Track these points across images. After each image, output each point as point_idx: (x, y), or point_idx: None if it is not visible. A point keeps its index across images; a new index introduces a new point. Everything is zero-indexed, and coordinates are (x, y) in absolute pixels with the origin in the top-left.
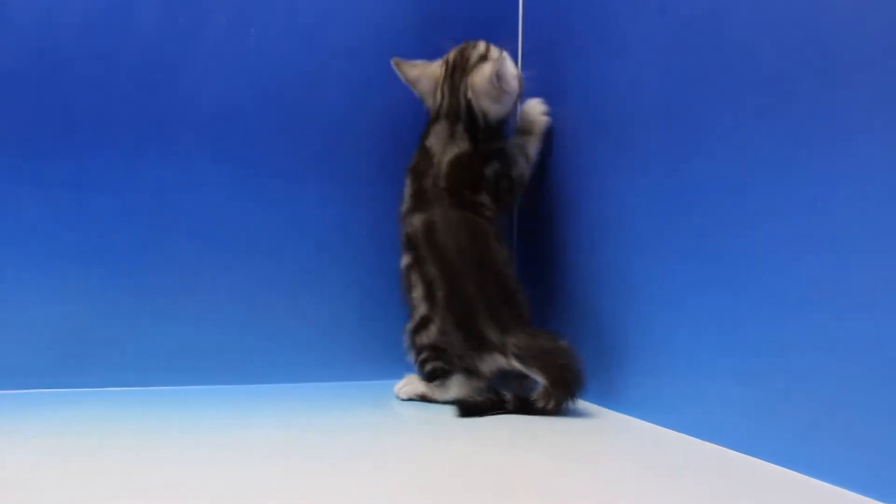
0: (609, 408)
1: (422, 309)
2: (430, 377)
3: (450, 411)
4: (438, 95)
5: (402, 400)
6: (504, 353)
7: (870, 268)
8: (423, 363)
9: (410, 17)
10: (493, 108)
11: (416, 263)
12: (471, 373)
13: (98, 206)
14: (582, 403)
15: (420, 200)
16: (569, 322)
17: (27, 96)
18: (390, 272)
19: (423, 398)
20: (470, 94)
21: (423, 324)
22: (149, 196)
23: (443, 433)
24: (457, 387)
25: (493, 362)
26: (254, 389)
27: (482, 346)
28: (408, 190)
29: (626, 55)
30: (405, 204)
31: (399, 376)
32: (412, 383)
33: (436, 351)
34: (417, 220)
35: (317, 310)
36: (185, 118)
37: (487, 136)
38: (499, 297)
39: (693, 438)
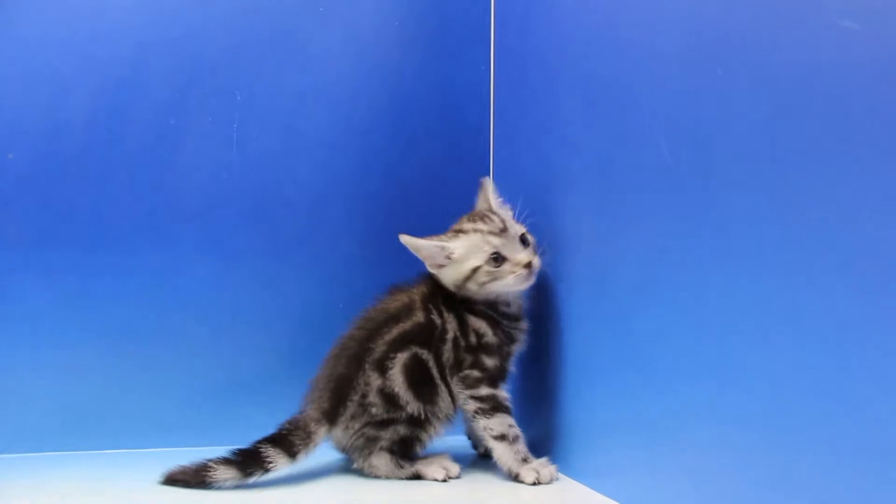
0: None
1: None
2: None
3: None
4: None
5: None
6: None
7: (746, 345)
8: None
9: (381, 107)
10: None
11: None
12: None
13: (98, 288)
14: None
15: None
16: (515, 385)
17: (34, 195)
18: None
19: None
20: None
21: None
22: (143, 278)
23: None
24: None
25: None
26: None
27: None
28: None
29: (559, 150)
30: None
31: None
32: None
33: None
34: None
35: (297, 380)
36: (175, 208)
37: None
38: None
39: (607, 498)
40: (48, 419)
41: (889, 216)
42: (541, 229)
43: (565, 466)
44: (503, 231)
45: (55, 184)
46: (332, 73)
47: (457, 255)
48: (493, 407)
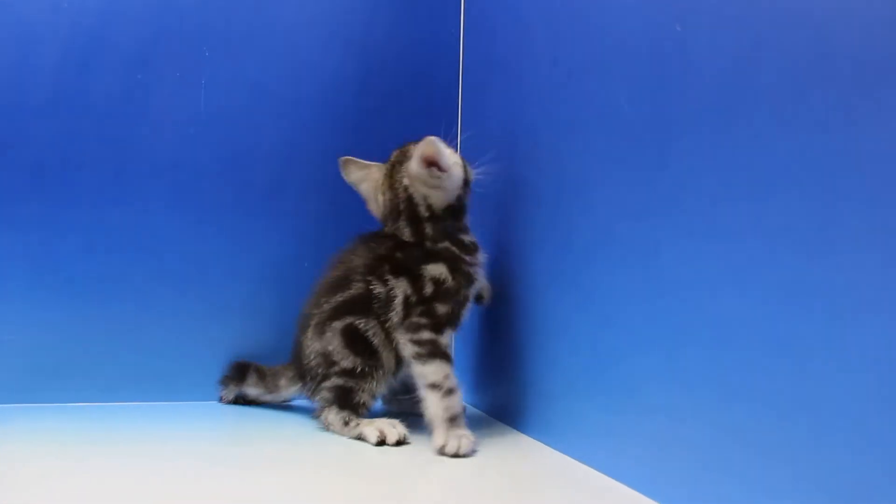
0: (506, 424)
1: None
2: None
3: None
4: (380, 196)
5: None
6: None
7: (701, 308)
8: None
9: (350, 64)
10: (433, 195)
11: None
12: None
13: (65, 245)
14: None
15: None
16: (478, 343)
17: None
18: None
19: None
20: (406, 181)
21: None
22: (110, 234)
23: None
24: None
25: None
26: (206, 406)
27: None
28: None
29: (527, 107)
30: None
31: None
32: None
33: None
34: None
35: (265, 336)
36: (142, 163)
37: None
38: None
39: (561, 454)
40: (12, 373)
41: (845, 179)
42: (508, 183)
43: (522, 423)
44: None
45: (21, 138)
46: (302, 29)
47: None
48: (431, 353)
